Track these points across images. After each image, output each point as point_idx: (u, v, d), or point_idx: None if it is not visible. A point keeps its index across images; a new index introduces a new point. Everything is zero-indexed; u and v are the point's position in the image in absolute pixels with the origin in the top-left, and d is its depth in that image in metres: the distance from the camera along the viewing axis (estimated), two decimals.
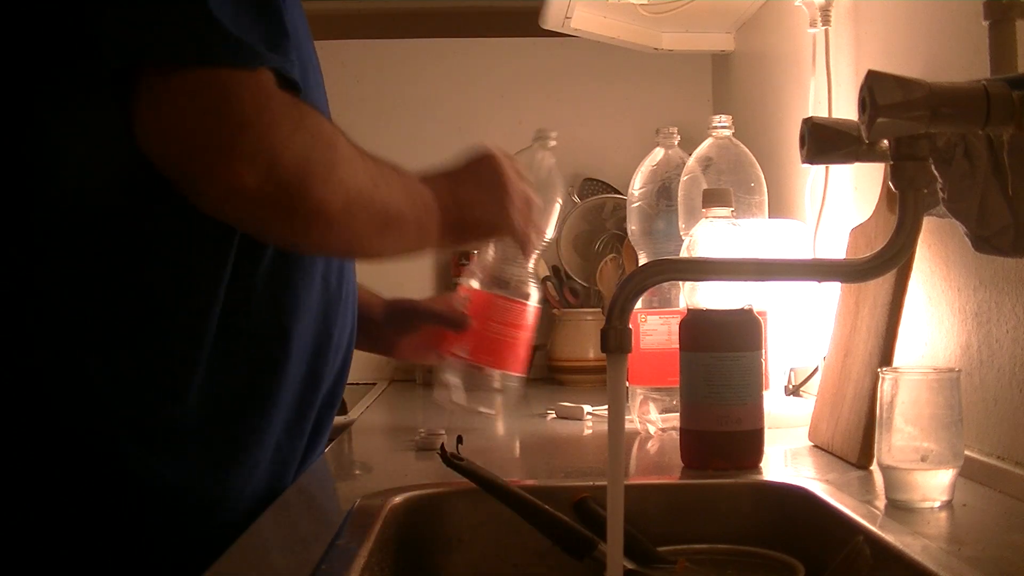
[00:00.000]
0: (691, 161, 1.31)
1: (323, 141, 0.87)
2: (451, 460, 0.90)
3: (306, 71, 0.99)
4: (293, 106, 0.85)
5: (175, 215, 0.87)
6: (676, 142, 1.36)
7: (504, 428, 1.46)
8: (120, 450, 0.88)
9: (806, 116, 0.99)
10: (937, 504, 0.87)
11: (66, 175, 0.87)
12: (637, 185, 1.36)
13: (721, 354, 1.03)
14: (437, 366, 1.38)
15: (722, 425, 1.04)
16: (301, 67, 0.97)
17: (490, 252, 1.33)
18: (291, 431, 1.00)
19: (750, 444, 1.06)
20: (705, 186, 1.27)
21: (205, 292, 0.90)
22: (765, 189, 1.30)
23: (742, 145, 1.31)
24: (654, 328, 1.31)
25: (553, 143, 1.31)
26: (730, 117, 1.31)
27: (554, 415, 1.53)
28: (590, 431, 1.41)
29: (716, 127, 1.31)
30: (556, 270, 2.13)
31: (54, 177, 0.87)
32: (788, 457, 1.16)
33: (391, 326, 1.33)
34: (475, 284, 1.41)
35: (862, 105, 0.70)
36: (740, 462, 1.04)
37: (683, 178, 1.31)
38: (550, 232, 1.28)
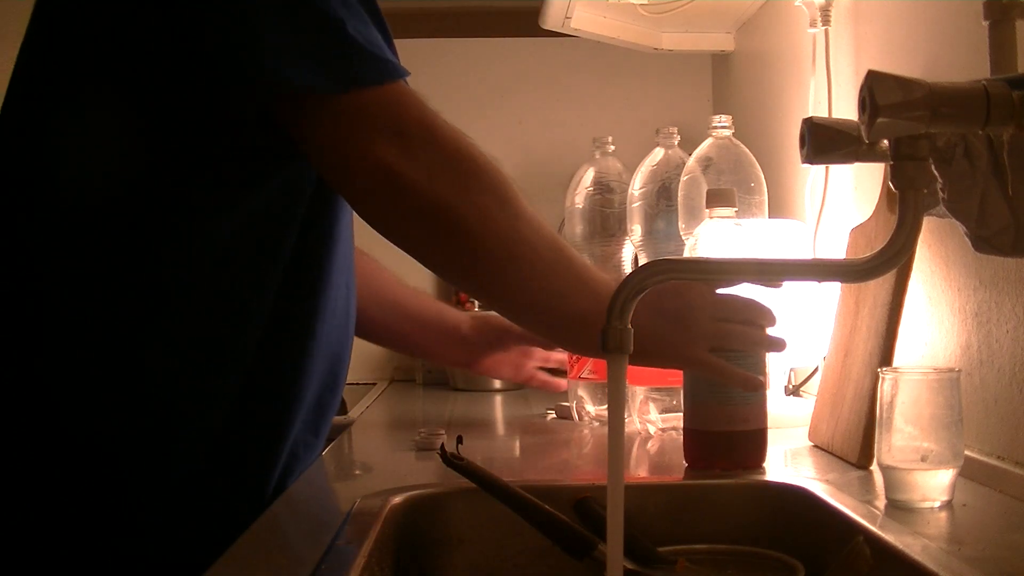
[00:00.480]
0: (691, 161, 1.31)
1: (500, 180, 0.92)
2: (451, 460, 0.90)
3: None
4: (456, 130, 0.92)
5: (196, 222, 0.89)
6: (676, 142, 1.37)
7: (504, 428, 1.46)
8: (146, 449, 0.88)
9: (806, 116, 0.99)
10: (937, 504, 0.87)
11: (88, 181, 0.89)
12: (637, 185, 1.36)
13: (725, 353, 1.03)
14: (569, 384, 1.42)
15: (726, 425, 1.04)
16: None
17: None
18: (308, 430, 1.03)
19: (754, 444, 1.06)
20: (705, 186, 1.28)
21: (237, 297, 0.92)
22: (765, 189, 1.30)
23: (742, 145, 1.31)
24: None
25: None
26: (730, 117, 1.31)
27: (554, 415, 1.53)
28: (589, 431, 1.41)
29: (716, 127, 1.31)
30: None
31: (74, 183, 0.89)
32: (788, 457, 1.16)
33: (482, 342, 1.34)
34: None
35: (862, 105, 0.70)
36: (744, 462, 1.04)
37: (683, 178, 1.31)
38: None
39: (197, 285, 0.92)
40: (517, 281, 0.92)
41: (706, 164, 1.30)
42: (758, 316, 1.01)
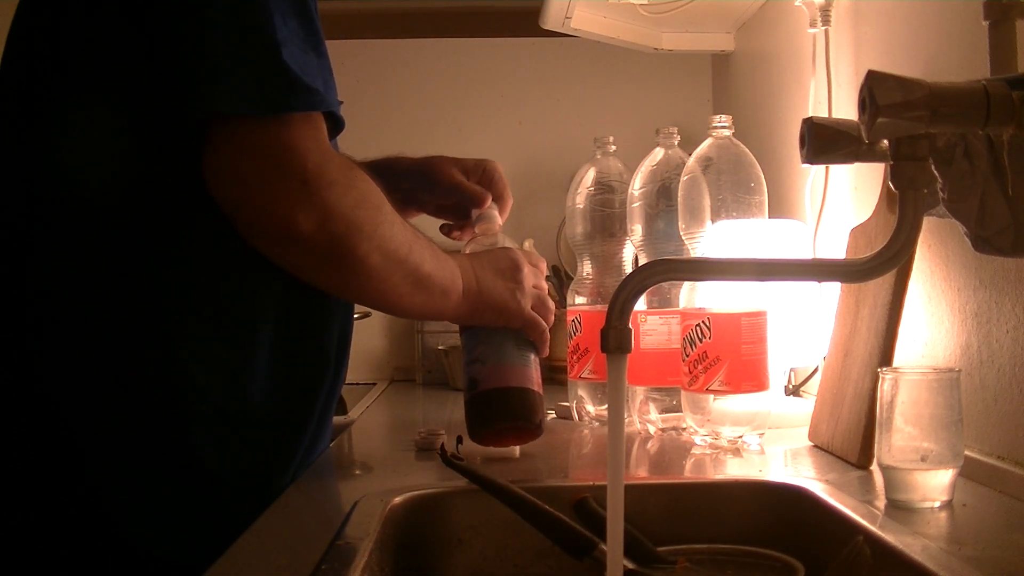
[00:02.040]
0: (691, 161, 1.31)
1: (371, 202, 0.94)
2: (451, 460, 0.90)
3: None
4: (348, 168, 0.93)
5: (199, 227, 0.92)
6: (676, 142, 1.37)
7: None
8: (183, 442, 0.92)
9: (806, 116, 0.99)
10: (937, 504, 0.87)
11: (87, 181, 0.89)
12: (637, 185, 1.36)
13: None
14: (570, 383, 1.45)
15: (528, 383, 1.12)
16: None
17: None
18: (321, 420, 1.07)
19: (540, 405, 1.13)
20: (705, 186, 1.28)
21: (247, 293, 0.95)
22: (765, 189, 1.30)
23: (742, 145, 1.31)
24: (654, 328, 1.31)
25: None
26: (730, 117, 1.31)
27: (554, 415, 1.53)
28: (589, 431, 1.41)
29: (716, 127, 1.31)
30: (556, 270, 2.13)
31: (74, 182, 0.89)
32: (788, 457, 1.16)
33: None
34: (583, 302, 1.44)
35: (862, 105, 0.70)
36: (531, 420, 1.11)
37: (683, 178, 1.31)
38: None
39: (205, 282, 0.92)
40: (408, 295, 1.01)
41: (706, 164, 1.30)
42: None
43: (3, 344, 0.91)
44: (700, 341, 1.20)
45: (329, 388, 1.05)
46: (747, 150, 1.31)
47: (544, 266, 1.21)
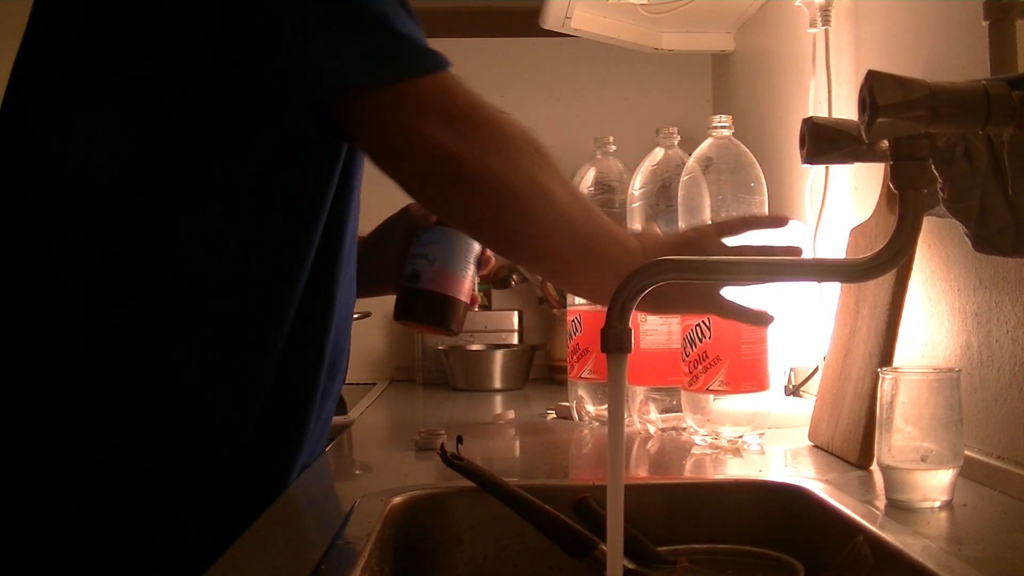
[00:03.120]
0: (691, 161, 1.31)
1: (536, 148, 0.97)
2: (451, 460, 0.90)
3: None
4: (500, 114, 0.97)
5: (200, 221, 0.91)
6: (676, 142, 1.37)
7: (504, 428, 1.46)
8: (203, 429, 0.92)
9: (806, 116, 0.99)
10: (937, 504, 0.87)
11: (97, 178, 0.89)
12: (637, 185, 1.36)
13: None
14: (570, 383, 1.46)
15: (458, 293, 1.18)
16: None
17: None
18: (321, 413, 1.05)
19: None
20: (705, 186, 1.27)
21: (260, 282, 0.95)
22: (765, 189, 1.30)
23: (742, 145, 1.31)
24: (654, 328, 1.31)
25: None
26: (730, 117, 1.31)
27: (554, 415, 1.53)
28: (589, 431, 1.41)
29: (716, 127, 1.31)
30: None
31: (85, 178, 0.89)
32: (788, 457, 1.16)
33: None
34: (584, 302, 1.44)
35: (862, 105, 0.70)
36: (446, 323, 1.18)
37: (683, 178, 1.31)
38: None
39: (203, 285, 0.92)
40: (565, 245, 0.97)
41: (706, 164, 1.30)
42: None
43: (28, 343, 0.90)
44: (700, 341, 1.21)
45: (326, 390, 1.05)
46: (747, 150, 1.32)
47: None
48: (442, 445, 0.94)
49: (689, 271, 0.85)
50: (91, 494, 0.89)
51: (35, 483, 0.90)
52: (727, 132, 1.31)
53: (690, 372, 1.22)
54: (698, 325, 1.22)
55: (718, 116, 1.32)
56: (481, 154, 0.92)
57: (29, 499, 0.90)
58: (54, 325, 0.90)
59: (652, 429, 1.30)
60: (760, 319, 1.06)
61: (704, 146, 1.32)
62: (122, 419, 0.89)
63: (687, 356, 1.22)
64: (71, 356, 0.89)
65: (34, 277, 0.91)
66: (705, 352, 1.22)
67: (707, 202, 1.27)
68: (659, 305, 1.05)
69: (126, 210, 0.90)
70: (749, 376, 1.21)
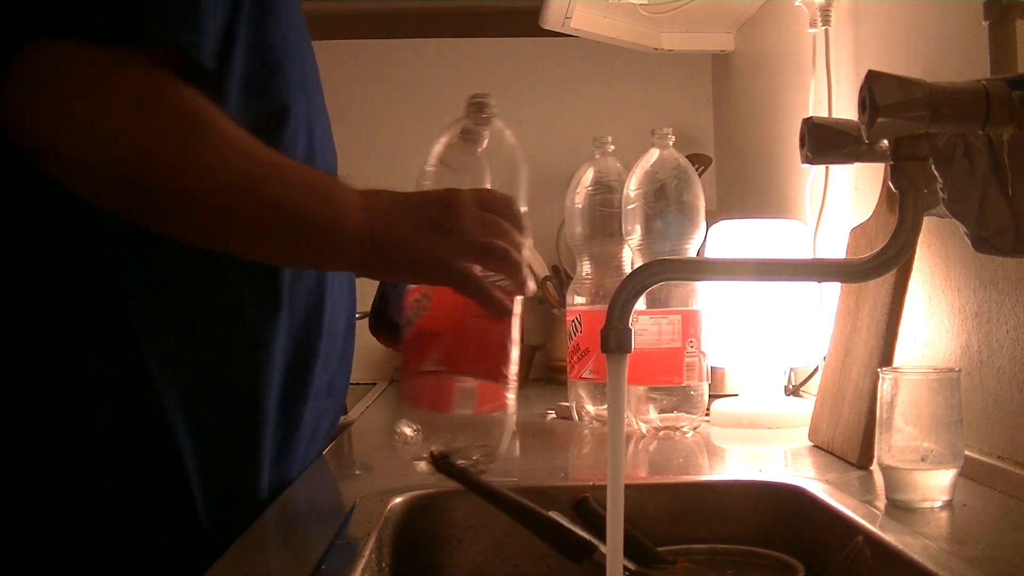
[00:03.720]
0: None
1: (185, 124, 0.82)
2: (442, 465, 0.87)
3: (304, 68, 0.99)
4: (149, 85, 0.81)
5: None
6: (671, 143, 1.37)
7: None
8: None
9: (806, 116, 0.99)
10: (937, 504, 0.87)
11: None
12: (633, 186, 1.36)
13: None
14: (570, 383, 1.40)
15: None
16: (299, 65, 0.98)
17: None
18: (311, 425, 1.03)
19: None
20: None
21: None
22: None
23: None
24: (644, 328, 1.31)
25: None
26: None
27: (554, 415, 1.53)
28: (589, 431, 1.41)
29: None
30: (556, 270, 2.13)
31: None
32: (788, 457, 1.16)
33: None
34: (583, 302, 1.44)
35: (862, 105, 0.70)
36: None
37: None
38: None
39: (178, 289, 0.90)
40: (244, 218, 0.85)
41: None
42: (520, 234, 0.92)
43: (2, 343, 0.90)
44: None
45: (317, 393, 1.02)
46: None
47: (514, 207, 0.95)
48: (430, 452, 0.91)
49: (688, 271, 0.85)
50: (70, 500, 0.87)
51: (13, 493, 0.89)
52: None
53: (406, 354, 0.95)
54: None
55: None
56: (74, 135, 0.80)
57: (13, 509, 0.89)
58: (17, 326, 0.88)
59: (643, 428, 1.30)
60: (500, 307, 0.90)
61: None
62: (96, 421, 0.87)
63: (408, 329, 0.95)
64: (36, 360, 0.87)
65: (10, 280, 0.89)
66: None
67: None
68: (383, 269, 0.93)
69: (85, 213, 0.86)
70: (477, 358, 0.93)
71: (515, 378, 0.93)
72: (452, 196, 0.90)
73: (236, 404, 0.93)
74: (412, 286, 0.94)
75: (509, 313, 0.91)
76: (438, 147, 1.00)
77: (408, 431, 0.93)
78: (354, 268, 0.97)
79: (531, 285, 0.92)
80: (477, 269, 0.90)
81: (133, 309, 0.88)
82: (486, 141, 1.00)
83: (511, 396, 0.93)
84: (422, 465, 0.91)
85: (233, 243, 0.87)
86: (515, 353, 0.92)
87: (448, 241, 0.88)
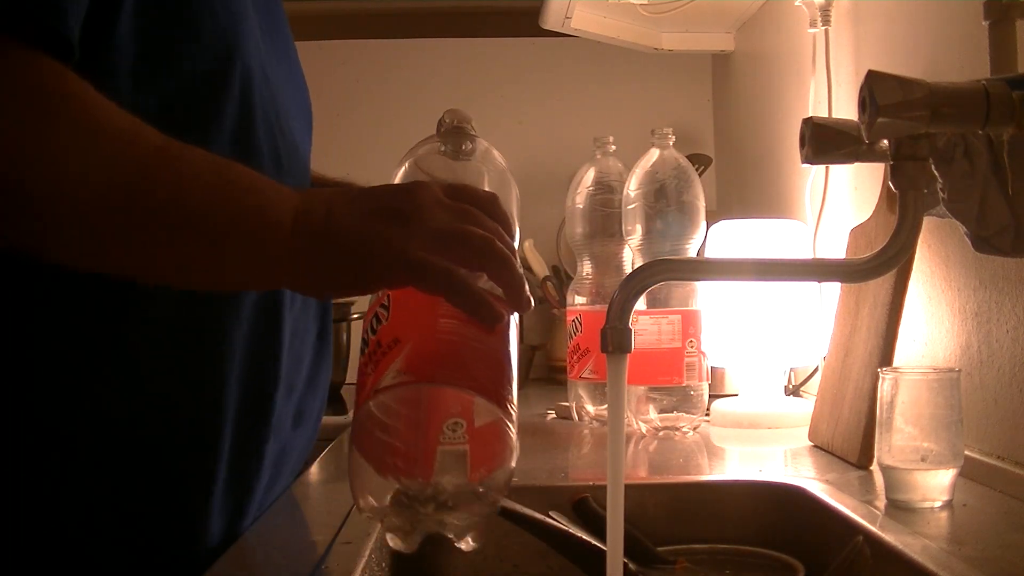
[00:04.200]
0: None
1: (37, 108, 0.65)
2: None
3: (237, 22, 0.85)
4: None
5: None
6: (671, 143, 1.37)
7: None
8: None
9: (806, 116, 0.99)
10: (937, 504, 0.87)
11: None
12: (633, 186, 1.36)
13: None
14: (570, 383, 1.41)
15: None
16: (229, 19, 0.83)
17: None
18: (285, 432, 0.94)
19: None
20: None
21: None
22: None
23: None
24: (644, 328, 1.31)
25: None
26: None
27: (554, 415, 1.53)
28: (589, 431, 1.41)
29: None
30: (556, 270, 2.13)
31: None
32: (788, 457, 1.16)
33: None
34: (583, 302, 1.44)
35: (862, 105, 0.70)
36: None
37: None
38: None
39: (164, 293, 0.84)
40: (147, 244, 0.68)
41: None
42: (508, 233, 0.70)
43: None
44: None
45: (286, 396, 0.92)
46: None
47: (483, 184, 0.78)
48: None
49: (689, 271, 0.85)
50: (49, 511, 0.84)
51: (8, 492, 0.87)
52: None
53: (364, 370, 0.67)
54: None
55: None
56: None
57: (12, 509, 0.87)
58: (16, 333, 0.84)
59: (643, 428, 1.30)
60: (482, 305, 0.64)
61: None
62: (81, 428, 0.84)
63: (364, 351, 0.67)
64: (17, 369, 0.84)
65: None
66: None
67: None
68: (322, 272, 0.68)
69: None
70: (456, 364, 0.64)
71: (515, 411, 0.63)
72: (413, 183, 0.70)
73: (187, 450, 0.82)
74: (368, 306, 0.68)
75: (496, 317, 0.64)
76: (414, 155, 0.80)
77: (372, 500, 0.63)
78: (284, 278, 0.71)
79: (529, 296, 0.67)
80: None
81: (127, 319, 0.79)
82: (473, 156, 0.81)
83: (513, 431, 0.62)
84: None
85: (113, 260, 0.69)
86: (514, 380, 0.65)
87: (405, 229, 0.66)
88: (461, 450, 0.61)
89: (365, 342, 0.65)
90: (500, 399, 0.61)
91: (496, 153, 0.81)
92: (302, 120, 1.01)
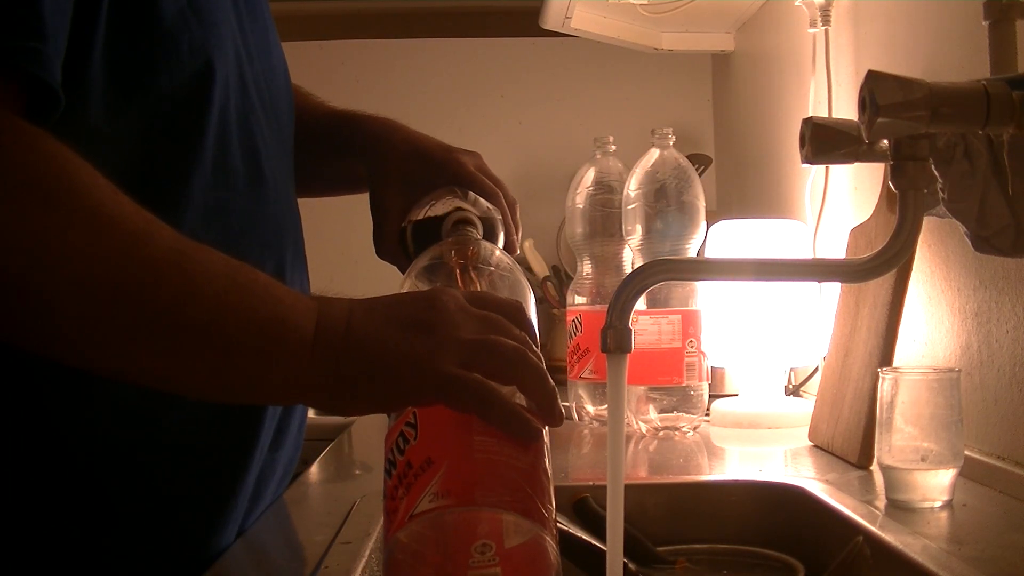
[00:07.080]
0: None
1: (41, 194, 0.60)
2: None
3: (219, 31, 0.82)
4: None
5: None
6: (671, 143, 1.37)
7: None
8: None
9: (806, 116, 0.99)
10: (937, 504, 0.87)
11: None
12: (633, 186, 1.36)
13: None
14: (570, 383, 1.38)
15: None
16: (210, 28, 0.80)
17: None
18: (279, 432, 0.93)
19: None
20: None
21: None
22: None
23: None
24: (644, 328, 1.31)
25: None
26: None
27: None
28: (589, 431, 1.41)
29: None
30: (556, 270, 2.13)
31: None
32: (788, 457, 1.16)
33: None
34: (583, 302, 1.44)
35: (862, 105, 0.70)
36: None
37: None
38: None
39: None
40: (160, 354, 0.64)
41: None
42: (527, 331, 0.67)
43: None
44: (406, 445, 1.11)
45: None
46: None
47: (525, 293, 0.78)
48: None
49: (688, 271, 0.85)
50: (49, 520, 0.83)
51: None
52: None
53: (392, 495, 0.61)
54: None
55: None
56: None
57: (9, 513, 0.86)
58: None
59: (643, 428, 1.30)
60: (517, 420, 0.61)
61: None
62: (75, 438, 0.83)
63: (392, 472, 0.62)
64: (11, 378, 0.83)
65: None
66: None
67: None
68: (346, 387, 0.63)
69: None
70: (496, 485, 0.59)
71: (555, 528, 0.61)
72: (436, 291, 0.67)
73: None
74: (392, 424, 0.64)
75: (535, 434, 0.61)
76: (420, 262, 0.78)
77: None
78: (305, 394, 0.66)
79: (561, 409, 0.64)
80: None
81: None
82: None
83: (554, 548, 0.60)
84: None
85: (117, 363, 0.65)
86: (552, 494, 0.62)
87: (430, 339, 0.63)
88: (493, 573, 0.57)
89: (391, 463, 0.62)
90: (541, 518, 0.60)
91: (501, 254, 0.79)
92: (285, 101, 0.99)
